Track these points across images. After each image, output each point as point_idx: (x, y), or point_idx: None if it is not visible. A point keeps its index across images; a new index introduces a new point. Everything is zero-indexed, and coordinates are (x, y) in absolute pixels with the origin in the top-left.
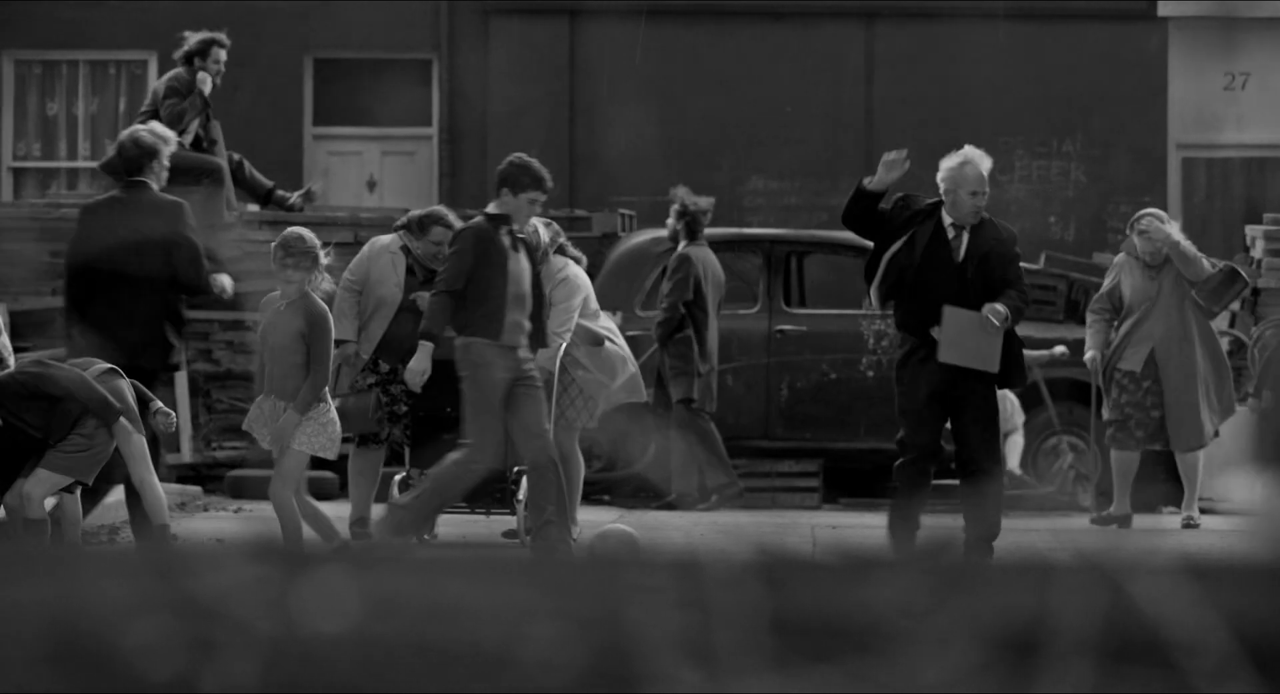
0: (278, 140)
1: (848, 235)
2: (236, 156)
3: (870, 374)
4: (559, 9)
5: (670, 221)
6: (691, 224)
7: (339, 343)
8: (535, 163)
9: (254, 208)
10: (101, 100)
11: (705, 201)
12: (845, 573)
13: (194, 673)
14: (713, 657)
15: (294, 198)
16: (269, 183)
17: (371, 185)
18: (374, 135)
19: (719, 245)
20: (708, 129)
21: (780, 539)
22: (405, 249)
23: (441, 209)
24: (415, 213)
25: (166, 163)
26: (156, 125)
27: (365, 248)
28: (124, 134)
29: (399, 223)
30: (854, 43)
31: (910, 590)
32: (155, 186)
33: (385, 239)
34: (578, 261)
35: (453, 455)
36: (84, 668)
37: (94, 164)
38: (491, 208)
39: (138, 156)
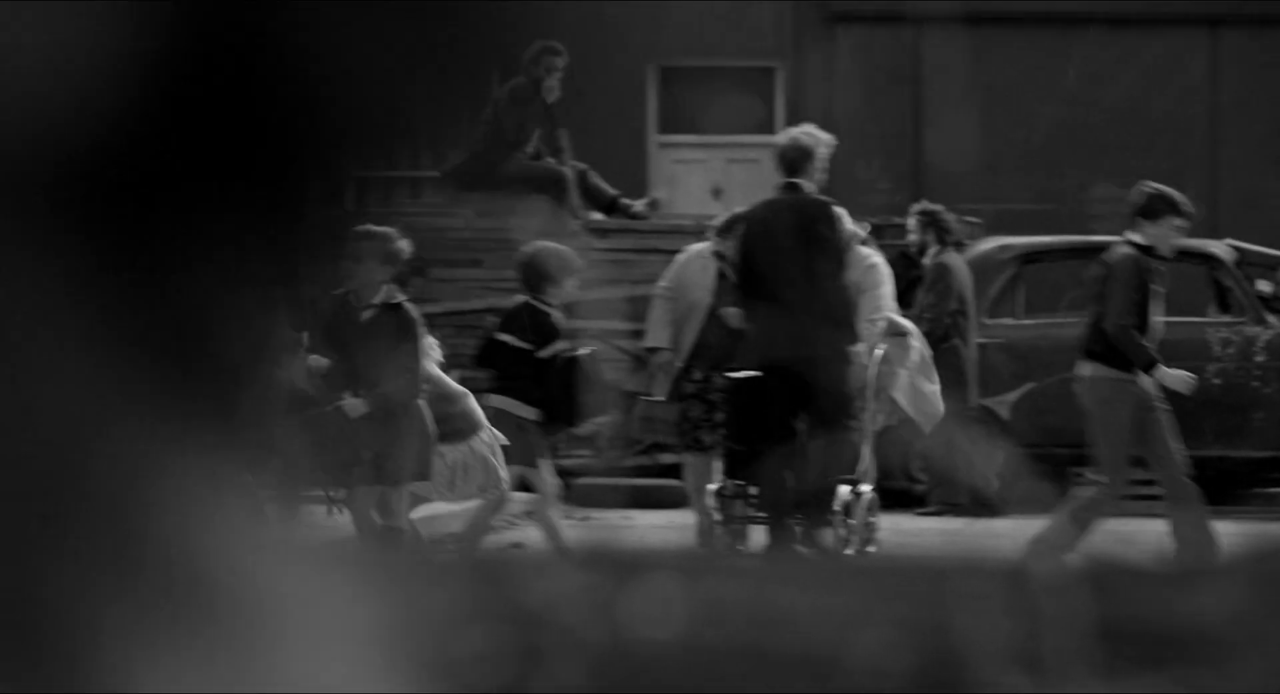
0: (622, 148)
1: (1193, 242)
2: (581, 165)
3: (1217, 381)
4: (903, 16)
5: (913, 231)
6: (941, 230)
7: (654, 351)
8: (1166, 190)
9: (598, 216)
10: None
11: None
12: (1175, 579)
13: (523, 680)
14: (1040, 664)
15: (638, 206)
16: (613, 191)
17: (717, 193)
18: (718, 143)
19: (1063, 253)
20: (1051, 137)
21: (1114, 545)
22: (717, 254)
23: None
24: (725, 216)
25: (824, 164)
26: (812, 127)
27: (679, 255)
28: (783, 137)
29: (712, 227)
30: (1198, 49)
31: (1241, 596)
32: (810, 187)
33: (698, 246)
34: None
35: (1086, 490)
36: (416, 675)
37: (436, 173)
38: (1136, 237)
39: (796, 158)
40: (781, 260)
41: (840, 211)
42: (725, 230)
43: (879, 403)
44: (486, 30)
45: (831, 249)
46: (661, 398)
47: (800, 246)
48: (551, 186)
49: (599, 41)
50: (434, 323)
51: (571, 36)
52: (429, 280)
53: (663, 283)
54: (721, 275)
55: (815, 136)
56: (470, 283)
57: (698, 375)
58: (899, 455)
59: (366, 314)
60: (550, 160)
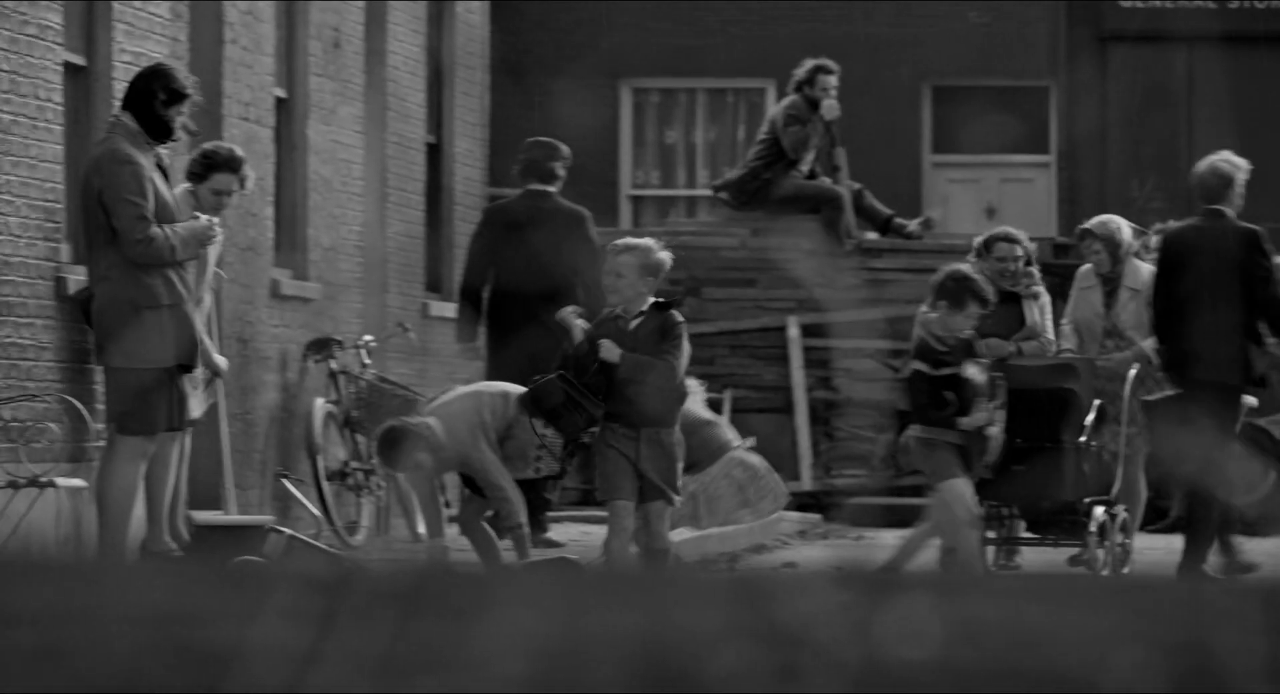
0: (896, 168)
1: None
2: (857, 185)
3: None
4: (1176, 36)
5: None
6: None
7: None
8: None
9: (873, 236)
10: (719, 128)
11: None
12: None
13: None
14: None
15: (913, 225)
16: (888, 211)
17: (990, 212)
18: (993, 162)
19: None
20: None
21: None
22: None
23: (1006, 228)
24: (983, 236)
25: (1241, 191)
26: (1231, 155)
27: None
28: (1202, 164)
29: (973, 246)
30: None
31: None
32: (1232, 214)
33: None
34: None
35: None
36: (667, 690)
37: (710, 192)
38: None
39: (1216, 185)
40: (1207, 284)
41: (1259, 232)
42: (985, 248)
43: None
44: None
45: (1262, 275)
46: None
47: (1228, 272)
48: (827, 206)
49: (871, 60)
50: (707, 342)
51: (845, 56)
52: (702, 300)
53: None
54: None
55: (1234, 163)
56: (743, 302)
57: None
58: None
59: (633, 323)
60: (826, 179)
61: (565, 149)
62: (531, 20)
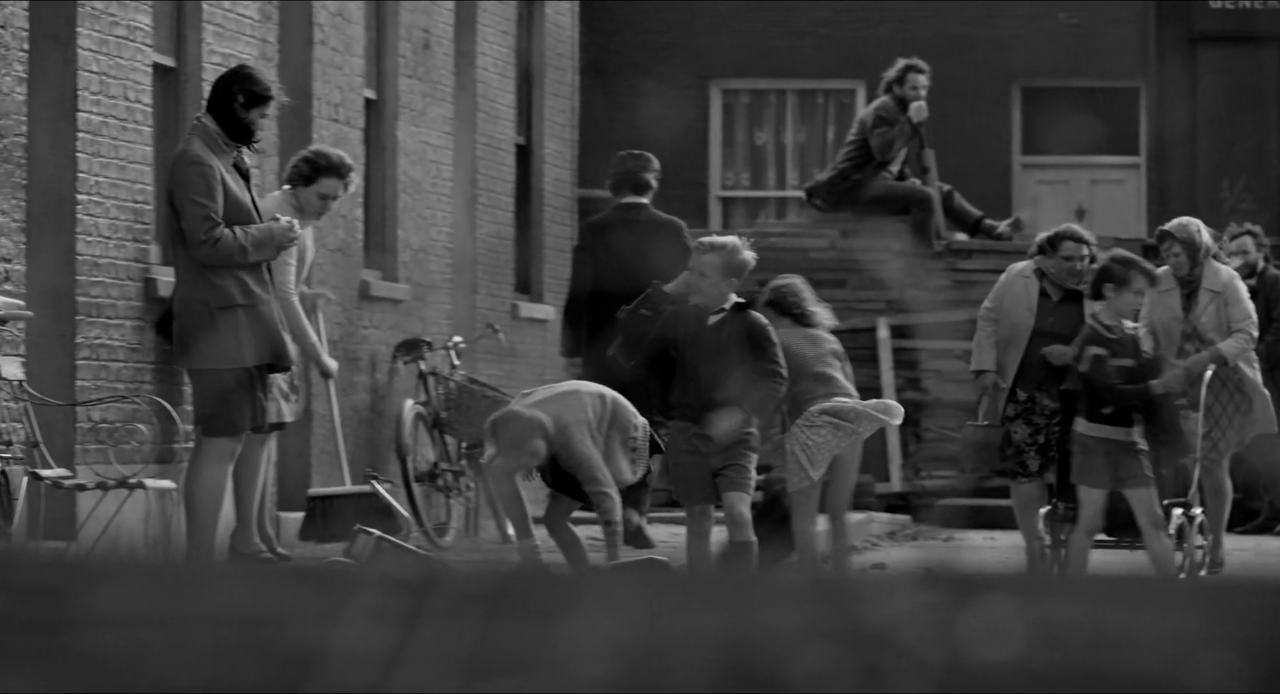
0: (986, 169)
1: None
2: (946, 186)
3: None
4: (1266, 36)
5: (1246, 251)
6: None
7: (979, 373)
8: None
9: (962, 237)
10: (809, 129)
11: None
12: None
13: None
14: None
15: (1002, 227)
16: (977, 212)
17: (1080, 213)
18: (1082, 163)
19: None
20: None
21: None
22: (1039, 272)
23: (1072, 226)
24: (1046, 233)
25: None
26: None
27: (1002, 275)
28: None
29: (1034, 244)
30: None
31: None
32: None
33: (1020, 265)
34: None
35: None
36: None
37: (801, 193)
38: None
39: None
40: None
41: None
42: (1049, 245)
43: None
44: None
45: None
46: (986, 422)
47: None
48: (917, 207)
49: (960, 61)
50: None
51: (935, 57)
52: None
53: (986, 304)
54: (1044, 294)
55: None
56: (833, 304)
57: (1022, 396)
58: (1254, 473)
59: (713, 319)
60: (915, 181)
61: (656, 160)
62: (621, 22)
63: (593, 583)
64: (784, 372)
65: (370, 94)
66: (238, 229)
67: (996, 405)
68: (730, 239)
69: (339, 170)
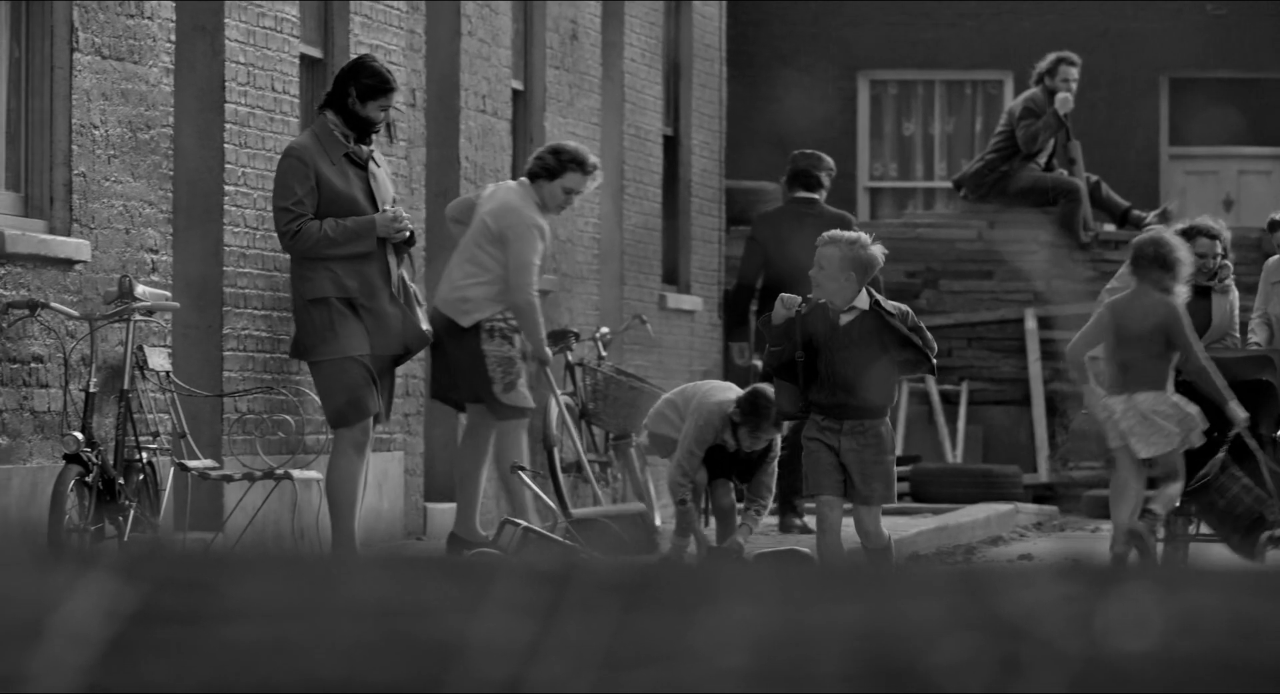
0: (1134, 160)
1: None
2: (1094, 177)
3: None
4: None
5: None
6: None
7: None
8: None
9: (1110, 228)
10: (957, 120)
11: None
12: None
13: (1000, 690)
14: None
15: (1150, 217)
16: (1125, 203)
17: (1228, 204)
18: (1230, 154)
19: None
20: None
21: None
22: None
23: (1206, 220)
24: (1178, 226)
25: None
26: None
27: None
28: None
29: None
30: None
31: None
32: None
33: None
34: None
35: None
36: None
37: (949, 184)
38: None
39: None
40: None
41: None
42: (1185, 237)
43: None
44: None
45: None
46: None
47: None
48: (1064, 198)
49: (1109, 53)
50: (944, 335)
51: (1082, 48)
52: (939, 292)
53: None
54: None
55: None
56: (980, 295)
57: None
58: None
59: (845, 319)
60: (1063, 172)
61: (830, 160)
62: (769, 13)
63: (732, 574)
64: (932, 359)
65: (517, 85)
66: (328, 221)
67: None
68: (853, 234)
69: (585, 166)
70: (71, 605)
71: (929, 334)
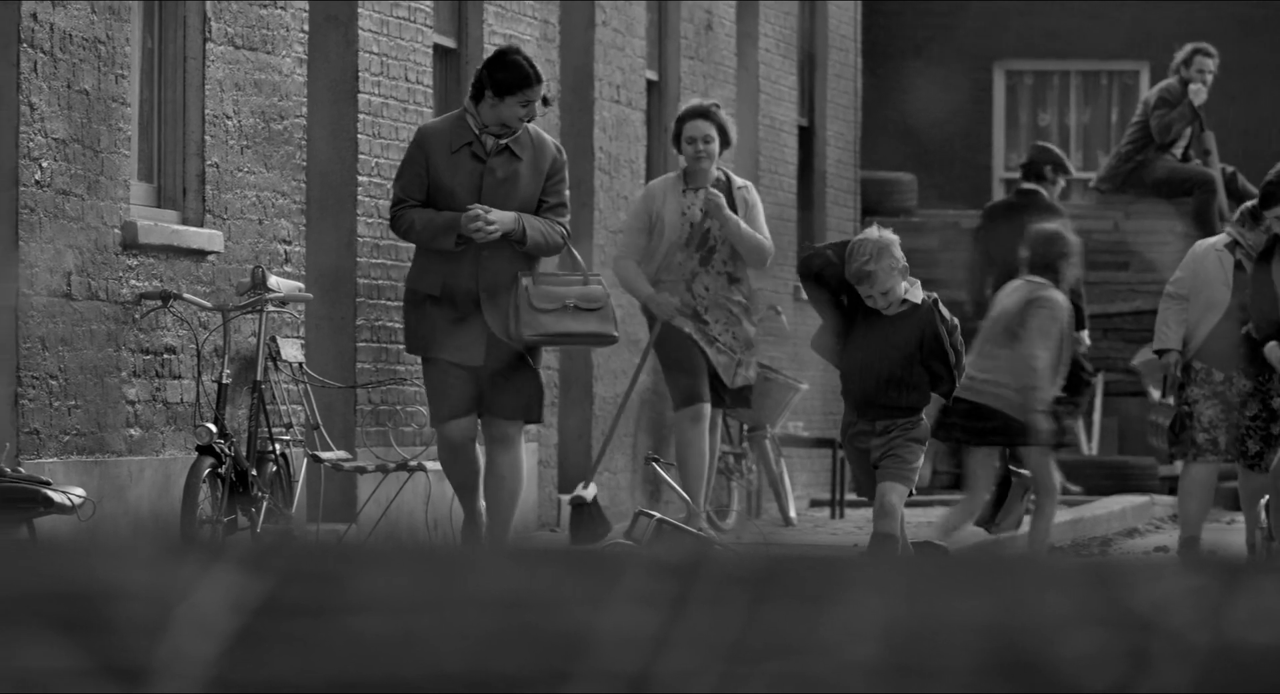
0: (1270, 151)
1: None
2: (1229, 168)
3: None
4: None
5: None
6: None
7: (1161, 352)
8: None
9: None
10: (1093, 111)
11: None
12: None
13: (1129, 683)
14: None
15: None
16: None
17: None
18: None
19: None
20: None
21: None
22: (1232, 245)
23: None
24: (1250, 203)
25: None
26: None
27: (1190, 251)
28: None
29: (1236, 213)
30: None
31: None
32: None
33: (1209, 240)
34: None
35: None
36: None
37: (1088, 176)
38: None
39: None
40: None
41: None
42: (1250, 216)
43: None
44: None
45: None
46: (1169, 401)
47: None
48: (1200, 188)
49: (1241, 41)
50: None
51: (1218, 38)
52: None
53: (1171, 285)
54: (1239, 267)
55: None
56: (1116, 286)
57: (1218, 377)
58: None
59: (891, 312)
60: (1198, 162)
61: (1059, 154)
62: (904, 3)
63: (860, 566)
64: (955, 383)
65: (652, 75)
66: (420, 212)
67: (1174, 385)
68: (882, 236)
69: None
70: (197, 598)
71: (964, 360)
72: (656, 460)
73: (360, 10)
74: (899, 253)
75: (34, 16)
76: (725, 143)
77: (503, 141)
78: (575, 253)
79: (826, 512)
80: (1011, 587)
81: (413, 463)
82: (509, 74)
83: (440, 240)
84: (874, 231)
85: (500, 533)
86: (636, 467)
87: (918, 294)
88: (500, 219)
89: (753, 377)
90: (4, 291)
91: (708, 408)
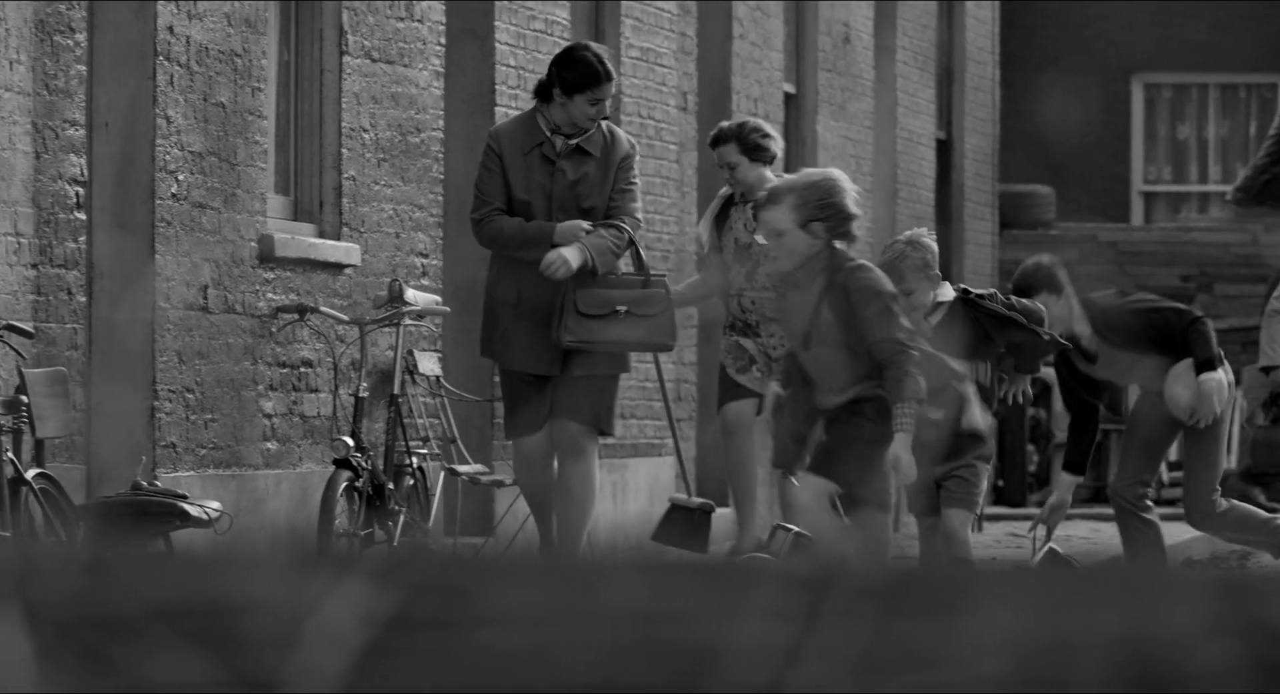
0: None
1: None
2: None
3: None
4: None
5: None
6: None
7: (1268, 370)
8: None
9: None
10: (1232, 123)
11: None
12: None
13: None
14: None
15: None
16: None
17: None
18: None
19: None
20: None
21: None
22: None
23: None
24: None
25: None
26: None
27: None
28: None
29: None
30: None
31: None
32: None
33: None
34: None
35: None
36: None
37: (1225, 188)
38: None
39: None
40: None
41: None
42: None
43: None
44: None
45: None
46: (1264, 422)
47: None
48: None
49: None
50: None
51: None
52: (1214, 297)
53: (1276, 300)
54: None
55: None
56: (1255, 299)
57: None
58: None
59: (933, 318)
60: None
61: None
62: (1043, 15)
63: (991, 579)
64: (1042, 336)
65: (789, 88)
66: (507, 220)
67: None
68: (926, 241)
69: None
70: (328, 611)
71: (1036, 310)
72: (794, 474)
73: (497, 23)
74: (932, 259)
75: (170, 29)
76: (750, 152)
77: (573, 142)
78: (640, 251)
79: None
80: (1143, 599)
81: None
82: (577, 72)
83: (529, 251)
84: (925, 233)
85: (569, 549)
86: (774, 481)
87: (948, 292)
88: (570, 256)
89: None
90: (140, 305)
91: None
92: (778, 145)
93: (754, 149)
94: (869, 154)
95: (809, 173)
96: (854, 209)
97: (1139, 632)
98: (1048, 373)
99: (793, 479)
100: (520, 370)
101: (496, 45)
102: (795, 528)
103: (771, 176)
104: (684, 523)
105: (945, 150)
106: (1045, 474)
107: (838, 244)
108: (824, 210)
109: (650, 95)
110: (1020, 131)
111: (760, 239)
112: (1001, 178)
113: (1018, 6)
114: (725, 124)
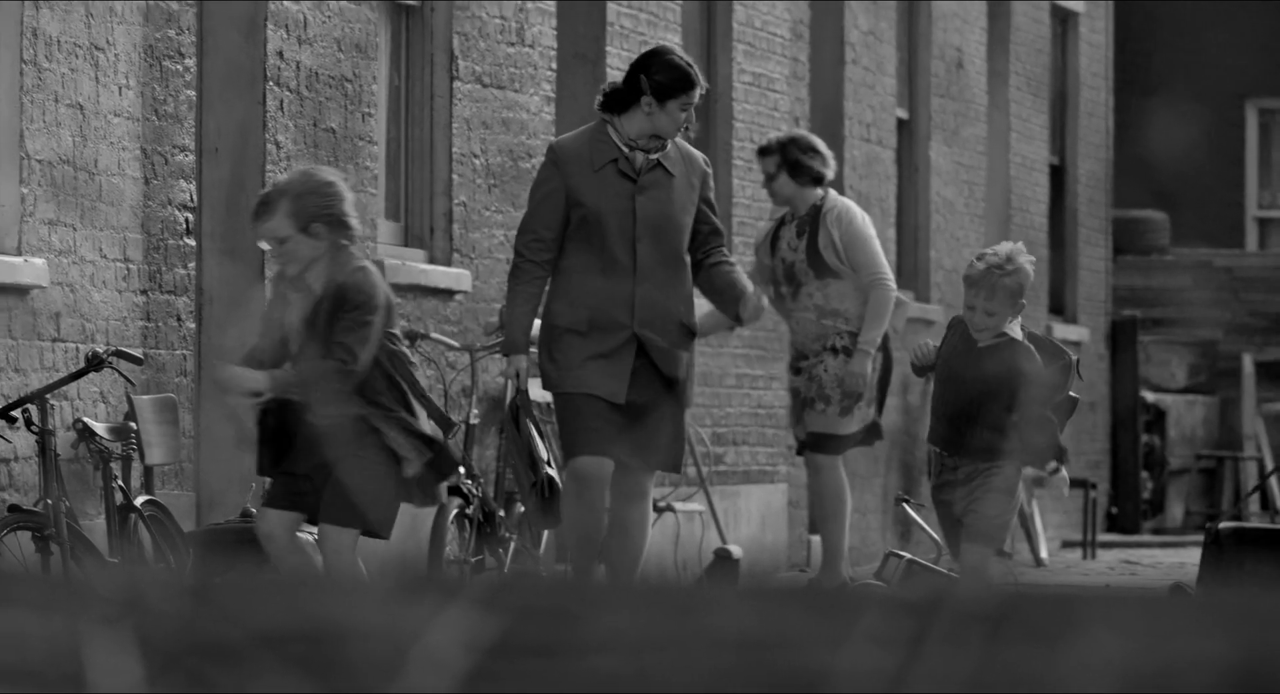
0: None
1: None
2: None
3: None
4: None
5: None
6: None
7: None
8: None
9: None
10: None
11: None
12: None
13: None
14: None
15: None
16: None
17: None
18: None
19: None
20: None
21: None
22: None
23: None
24: None
25: None
26: None
27: None
28: None
29: None
30: None
31: None
32: None
33: None
34: None
35: None
36: None
37: None
38: None
39: None
40: None
41: None
42: None
43: None
44: None
45: None
46: None
47: None
48: None
49: None
50: None
51: None
52: None
53: None
54: None
55: None
56: None
57: None
58: None
59: (984, 343)
60: None
61: None
62: (1157, 40)
63: (1097, 604)
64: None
65: (902, 113)
66: (524, 290)
67: None
68: (1025, 259)
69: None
70: (432, 637)
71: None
72: (907, 501)
73: (608, 48)
74: (1027, 286)
75: (280, 54)
76: (789, 166)
77: (653, 157)
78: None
79: (1078, 553)
80: (1248, 625)
81: (661, 504)
82: (670, 75)
83: (514, 320)
84: (1023, 251)
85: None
86: (887, 507)
87: (1017, 331)
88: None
89: (833, 417)
90: (249, 330)
91: (820, 456)
92: (825, 166)
93: (793, 165)
94: (982, 180)
95: (300, 174)
96: (349, 208)
97: (1244, 657)
98: (1162, 399)
99: (905, 507)
100: (587, 392)
101: (607, 71)
102: (908, 554)
103: (808, 196)
104: (728, 573)
105: (1058, 175)
106: (1160, 501)
107: (344, 243)
108: (322, 210)
109: (762, 120)
110: (1134, 157)
111: (800, 257)
112: (1115, 203)
113: (1131, 31)
114: (776, 135)
